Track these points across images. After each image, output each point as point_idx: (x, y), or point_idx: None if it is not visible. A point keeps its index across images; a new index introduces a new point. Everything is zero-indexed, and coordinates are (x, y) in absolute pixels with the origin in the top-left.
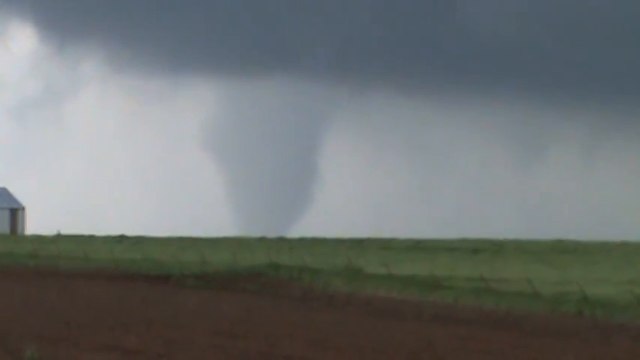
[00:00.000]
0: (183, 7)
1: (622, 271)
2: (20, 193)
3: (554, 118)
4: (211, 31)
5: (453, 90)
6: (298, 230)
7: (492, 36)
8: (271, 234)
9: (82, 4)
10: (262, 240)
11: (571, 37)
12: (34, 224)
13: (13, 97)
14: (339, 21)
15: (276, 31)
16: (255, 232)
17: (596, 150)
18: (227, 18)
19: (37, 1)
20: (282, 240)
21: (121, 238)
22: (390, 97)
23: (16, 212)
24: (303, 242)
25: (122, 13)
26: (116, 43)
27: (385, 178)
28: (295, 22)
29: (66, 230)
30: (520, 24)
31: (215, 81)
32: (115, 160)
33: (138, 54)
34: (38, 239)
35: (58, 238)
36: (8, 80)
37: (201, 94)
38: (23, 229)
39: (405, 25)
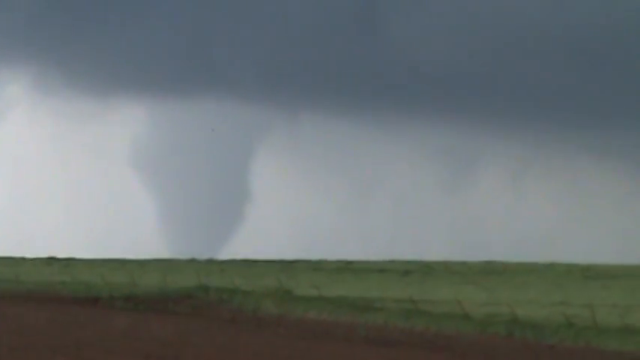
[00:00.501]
0: (114, 27)
1: (551, 293)
2: None
3: (484, 140)
4: (141, 51)
5: (383, 111)
6: (228, 252)
7: (423, 56)
8: (201, 255)
9: (10, 24)
10: (192, 262)
11: (500, 59)
12: None
13: None
14: (270, 41)
15: (206, 52)
16: (185, 253)
17: (524, 172)
18: (158, 38)
19: None
20: (212, 262)
21: (51, 260)
22: (320, 118)
23: None
24: (233, 264)
25: (51, 34)
26: (45, 65)
27: (316, 199)
28: (225, 42)
29: None
30: (451, 44)
31: (145, 102)
32: (45, 181)
33: (67, 75)
34: None
35: None
36: None
37: (131, 114)
38: None
39: (336, 44)
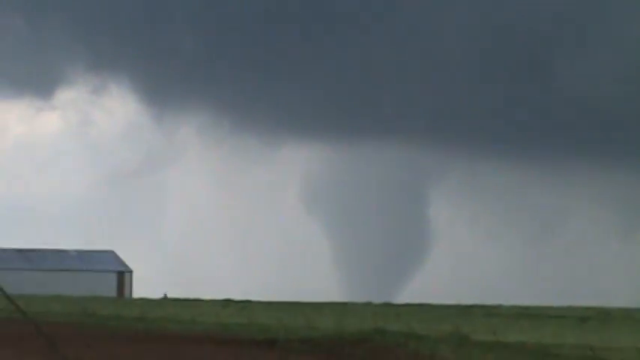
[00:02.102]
0: (281, 72)
1: None
2: (127, 256)
3: None
4: (311, 96)
5: (559, 154)
6: (405, 295)
7: (595, 97)
8: (377, 299)
9: (182, 68)
10: (368, 305)
11: None
12: (141, 287)
13: (113, 162)
14: (439, 87)
15: (377, 96)
16: (361, 296)
17: None
18: (328, 82)
19: (135, 64)
20: (388, 305)
21: (227, 302)
22: (494, 164)
23: (123, 275)
24: (409, 308)
25: (221, 80)
26: (215, 109)
27: (492, 244)
28: (396, 89)
29: (172, 294)
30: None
31: (318, 144)
32: (219, 224)
33: (237, 119)
34: (145, 302)
35: (165, 301)
36: (108, 146)
37: (303, 157)
38: (130, 292)
39: (507, 89)
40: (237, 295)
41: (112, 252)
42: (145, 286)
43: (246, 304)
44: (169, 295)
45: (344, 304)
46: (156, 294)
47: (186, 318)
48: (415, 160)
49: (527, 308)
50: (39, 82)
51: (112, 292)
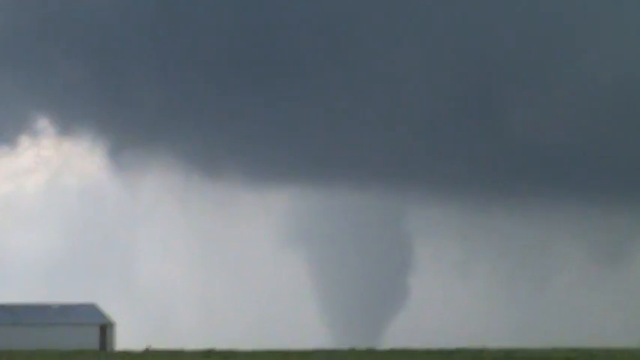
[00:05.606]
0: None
1: None
2: (109, 308)
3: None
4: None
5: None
6: (389, 341)
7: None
8: (361, 345)
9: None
10: (352, 352)
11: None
12: (124, 340)
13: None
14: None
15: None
16: (344, 343)
17: None
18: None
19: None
20: (372, 351)
21: (210, 353)
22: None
23: (105, 328)
24: (392, 353)
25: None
26: (183, 157)
27: (472, 287)
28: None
29: (156, 345)
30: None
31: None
32: (203, 274)
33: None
34: (128, 355)
35: (148, 353)
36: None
37: (280, 202)
38: (113, 345)
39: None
40: (220, 345)
41: (94, 305)
42: (127, 339)
43: (228, 354)
44: (153, 347)
45: (328, 352)
46: (139, 346)
47: None
48: (391, 204)
49: (511, 351)
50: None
51: (95, 346)
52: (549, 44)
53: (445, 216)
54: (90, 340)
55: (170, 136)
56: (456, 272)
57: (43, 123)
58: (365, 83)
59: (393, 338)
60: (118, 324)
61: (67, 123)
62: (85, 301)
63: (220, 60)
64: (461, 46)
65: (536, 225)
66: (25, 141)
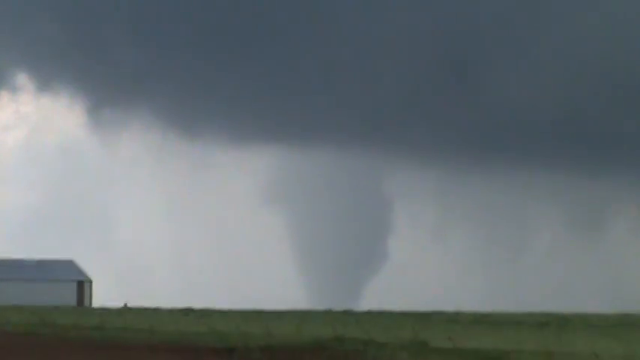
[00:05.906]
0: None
1: None
2: (87, 265)
3: (610, 186)
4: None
5: (505, 159)
6: (365, 303)
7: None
8: (338, 306)
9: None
10: (328, 313)
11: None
12: (102, 297)
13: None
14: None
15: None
16: (321, 304)
17: None
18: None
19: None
20: (348, 313)
21: (188, 311)
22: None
23: (82, 285)
24: (369, 315)
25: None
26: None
27: (450, 252)
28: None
29: (133, 303)
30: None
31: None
32: (181, 233)
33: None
34: (105, 312)
35: (125, 310)
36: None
37: (265, 161)
38: (90, 301)
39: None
40: (197, 304)
41: (71, 261)
42: (105, 296)
43: (205, 312)
44: (130, 305)
45: (304, 312)
46: (116, 304)
47: (145, 327)
48: (379, 167)
49: (486, 315)
50: None
51: (72, 302)
52: (528, 9)
53: (425, 180)
54: (67, 296)
55: (149, 96)
56: (434, 236)
57: (22, 79)
58: (345, 48)
59: (369, 300)
60: (96, 281)
61: (46, 79)
62: (62, 257)
63: (201, 20)
64: (440, 10)
65: (514, 192)
66: (4, 96)
